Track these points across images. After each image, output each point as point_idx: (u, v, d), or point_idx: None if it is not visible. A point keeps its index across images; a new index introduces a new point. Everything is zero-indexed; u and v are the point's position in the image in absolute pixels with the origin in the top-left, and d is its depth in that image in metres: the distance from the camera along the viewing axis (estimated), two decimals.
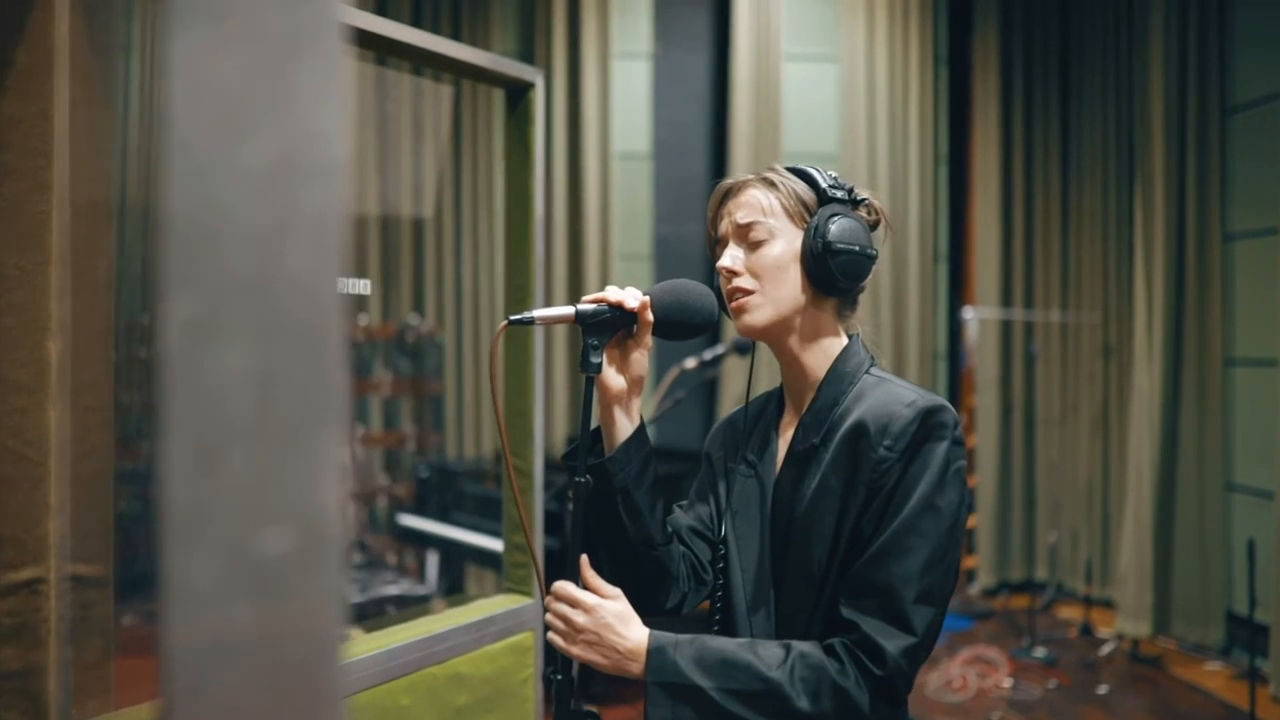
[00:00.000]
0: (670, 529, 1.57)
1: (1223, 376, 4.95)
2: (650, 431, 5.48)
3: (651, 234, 6.04)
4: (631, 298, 1.43)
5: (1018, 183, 6.26)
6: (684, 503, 1.68)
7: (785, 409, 1.59)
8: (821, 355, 1.51)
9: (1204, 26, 5.00)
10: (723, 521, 1.57)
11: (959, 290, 6.46)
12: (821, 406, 1.48)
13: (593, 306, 1.42)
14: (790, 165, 1.55)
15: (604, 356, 1.45)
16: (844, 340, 1.53)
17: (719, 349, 4.11)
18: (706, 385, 5.95)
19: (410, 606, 4.27)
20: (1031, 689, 4.51)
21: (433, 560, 4.79)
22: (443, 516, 4.82)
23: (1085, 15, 6.02)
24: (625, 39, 5.99)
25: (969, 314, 6.07)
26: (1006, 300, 6.24)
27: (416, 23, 5.80)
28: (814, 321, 1.50)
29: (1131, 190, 5.50)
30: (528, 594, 2.11)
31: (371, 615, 4.19)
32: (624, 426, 1.48)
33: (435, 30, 5.74)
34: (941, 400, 1.41)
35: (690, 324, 1.46)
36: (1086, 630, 5.28)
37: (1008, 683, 4.57)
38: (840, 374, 1.49)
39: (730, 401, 5.84)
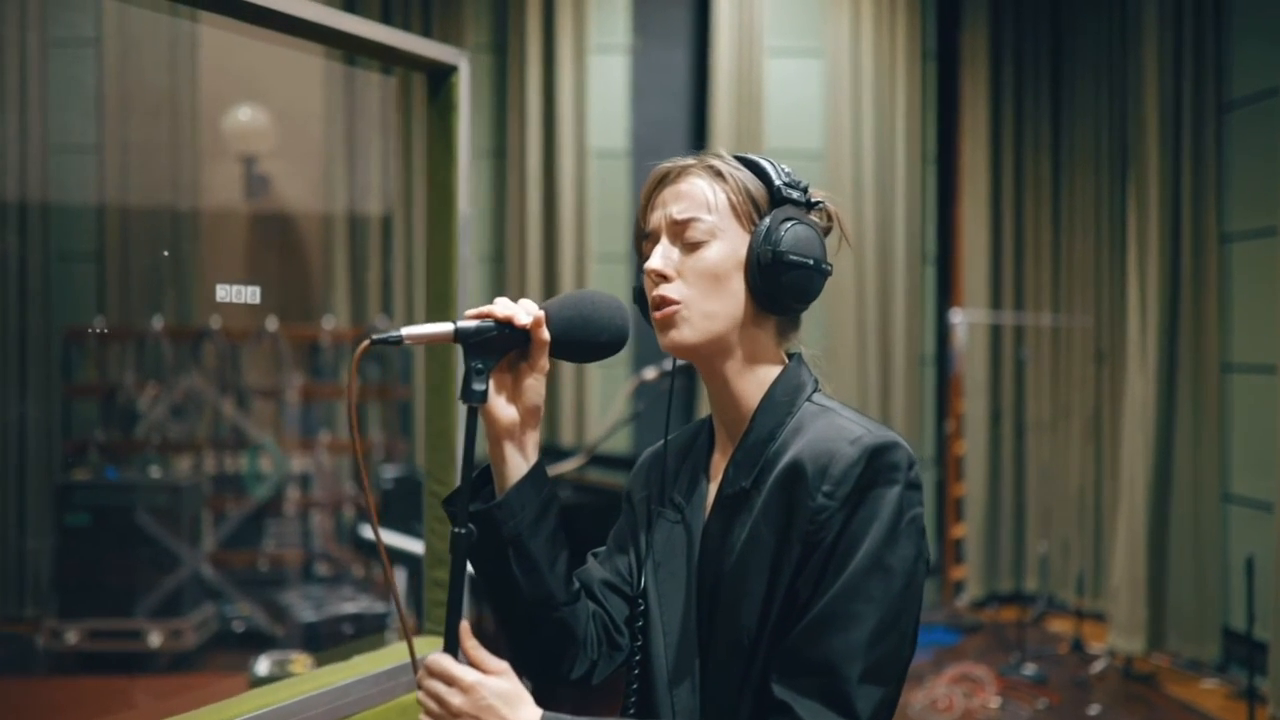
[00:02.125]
0: (578, 584, 1.34)
1: (1219, 383, 4.79)
2: (623, 443, 5.35)
3: (629, 235, 5.85)
4: (523, 312, 1.21)
5: (1007, 182, 6.11)
6: (600, 550, 1.46)
7: (716, 443, 1.37)
8: (756, 381, 1.30)
9: (1200, 19, 4.83)
10: (643, 574, 1.35)
11: (947, 293, 6.29)
12: (754, 441, 1.27)
13: (475, 323, 1.20)
14: (740, 154, 1.33)
15: (491, 383, 1.23)
16: (782, 363, 1.32)
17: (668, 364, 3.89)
18: (683, 393, 5.76)
19: (367, 630, 4.06)
20: (1020, 709, 4.33)
21: (398, 576, 4.58)
22: (407, 529, 4.61)
23: (1077, 9, 5.85)
24: (602, 32, 5.83)
25: (957, 317, 5.90)
26: (996, 303, 6.08)
27: (386, 17, 5.61)
28: (751, 342, 1.29)
29: (1125, 189, 5.34)
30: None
31: (326, 636, 3.99)
32: (516, 465, 1.25)
33: (405, 26, 5.55)
34: (893, 436, 1.19)
35: (594, 343, 1.24)
36: (1078, 646, 5.10)
37: (995, 702, 4.39)
38: (776, 402, 1.28)
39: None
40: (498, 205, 5.87)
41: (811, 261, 1.25)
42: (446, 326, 1.19)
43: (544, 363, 1.24)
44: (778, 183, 1.29)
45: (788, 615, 1.17)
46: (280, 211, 5.71)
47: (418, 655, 1.21)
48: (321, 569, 5.16)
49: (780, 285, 1.24)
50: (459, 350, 1.21)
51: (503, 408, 1.24)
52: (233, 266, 5.66)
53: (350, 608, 4.12)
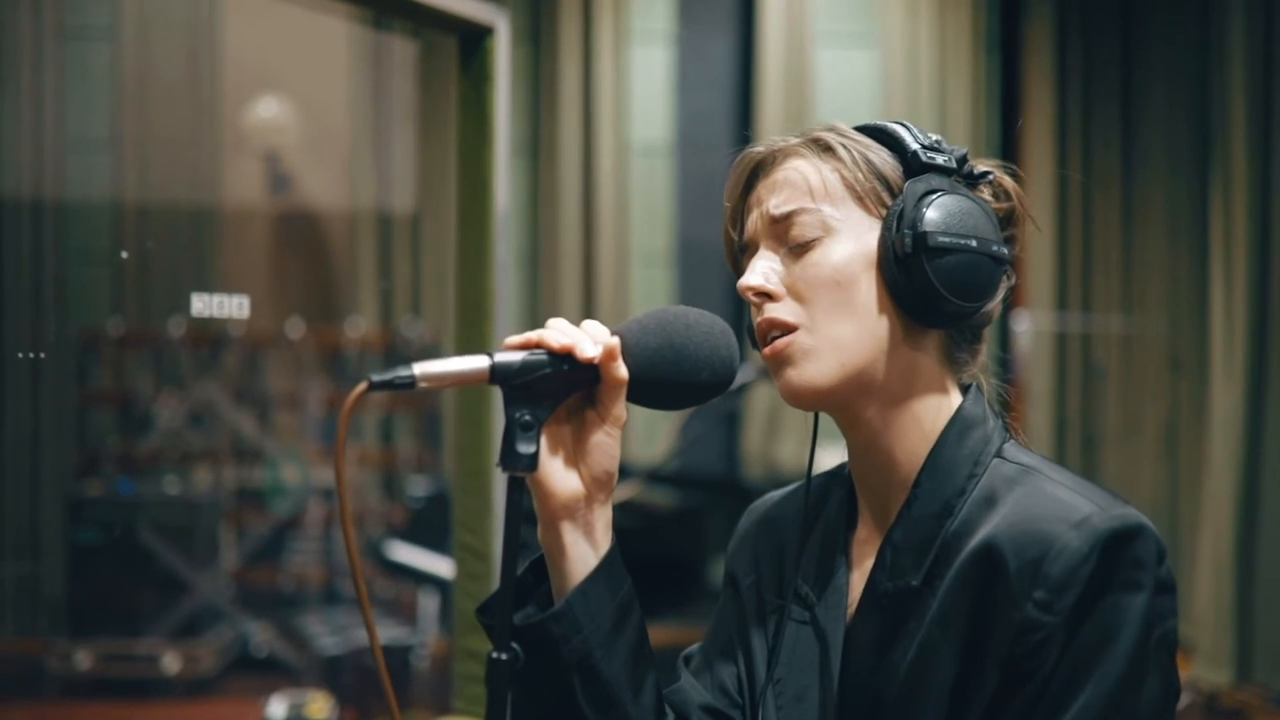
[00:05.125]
0: (672, 716, 0.98)
1: None
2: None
3: (673, 236, 5.58)
4: (589, 341, 0.87)
5: (1074, 179, 5.78)
6: (693, 650, 1.09)
7: (860, 512, 1.01)
8: (918, 429, 0.95)
9: None
10: (760, 696, 0.99)
11: (1010, 296, 5.96)
12: (922, 515, 0.92)
13: (522, 355, 0.86)
14: (864, 124, 0.99)
15: (544, 441, 0.88)
16: (955, 400, 0.97)
17: (747, 374, 3.51)
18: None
19: (393, 664, 3.76)
20: None
21: (429, 602, 4.26)
22: (438, 547, 4.31)
23: None
24: (643, 19, 5.54)
25: (1021, 321, 5.56)
26: (1061, 305, 5.75)
27: None
28: (907, 372, 0.95)
29: (1206, 185, 5.00)
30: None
31: (349, 670, 3.69)
32: (581, 556, 0.90)
33: None
34: (1135, 515, 0.85)
35: (690, 383, 0.90)
36: None
37: None
38: (951, 459, 0.93)
39: (758, 429, 5.32)
40: (531, 205, 5.58)
41: (974, 242, 0.90)
42: (480, 361, 0.85)
43: (619, 410, 0.90)
44: (914, 147, 0.94)
45: None
46: (304, 208, 5.44)
47: None
48: (347, 588, 4.87)
49: (930, 282, 0.89)
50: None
51: (560, 476, 0.90)
52: (255, 267, 5.40)
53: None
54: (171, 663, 4.32)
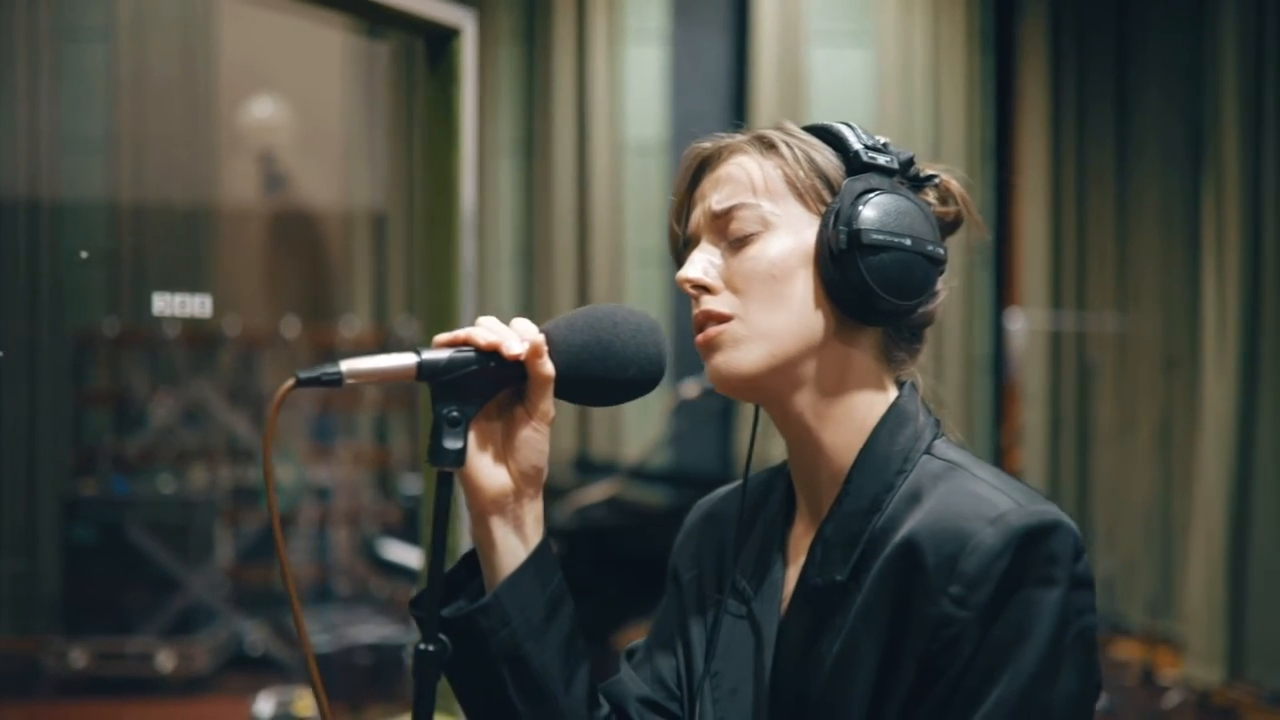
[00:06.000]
0: (607, 707, 0.99)
1: None
2: (663, 454, 5.05)
3: (667, 235, 5.58)
4: (515, 338, 0.88)
5: (1068, 177, 5.77)
6: (637, 645, 1.10)
7: (798, 507, 1.02)
8: (851, 424, 0.95)
9: None
10: (697, 688, 1.00)
11: (1003, 293, 5.97)
12: (851, 512, 0.93)
13: (449, 353, 0.88)
14: (811, 124, 0.99)
15: (471, 437, 0.89)
16: (890, 396, 0.98)
17: None
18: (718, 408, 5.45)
19: (385, 661, 3.77)
20: None
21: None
22: None
23: None
24: (637, 17, 5.54)
25: (1015, 319, 5.56)
26: (1056, 303, 5.75)
27: None
28: (839, 367, 0.95)
29: (1199, 182, 4.99)
30: None
31: (340, 668, 3.70)
32: (510, 550, 0.91)
33: None
34: (1052, 512, 0.85)
35: (618, 380, 0.91)
36: (1148, 675, 4.75)
37: None
38: (882, 455, 0.94)
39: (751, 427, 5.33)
40: (525, 203, 5.59)
41: (908, 241, 0.91)
42: (407, 359, 0.86)
43: (547, 407, 0.91)
44: (856, 147, 0.95)
45: None
46: (299, 207, 5.45)
47: None
48: (340, 586, 4.89)
49: (864, 278, 0.90)
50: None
51: (489, 471, 0.91)
52: (249, 266, 5.41)
53: (367, 636, 3.83)
54: (166, 661, 4.34)
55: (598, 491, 3.49)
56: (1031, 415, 5.72)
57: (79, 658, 4.30)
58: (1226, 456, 4.59)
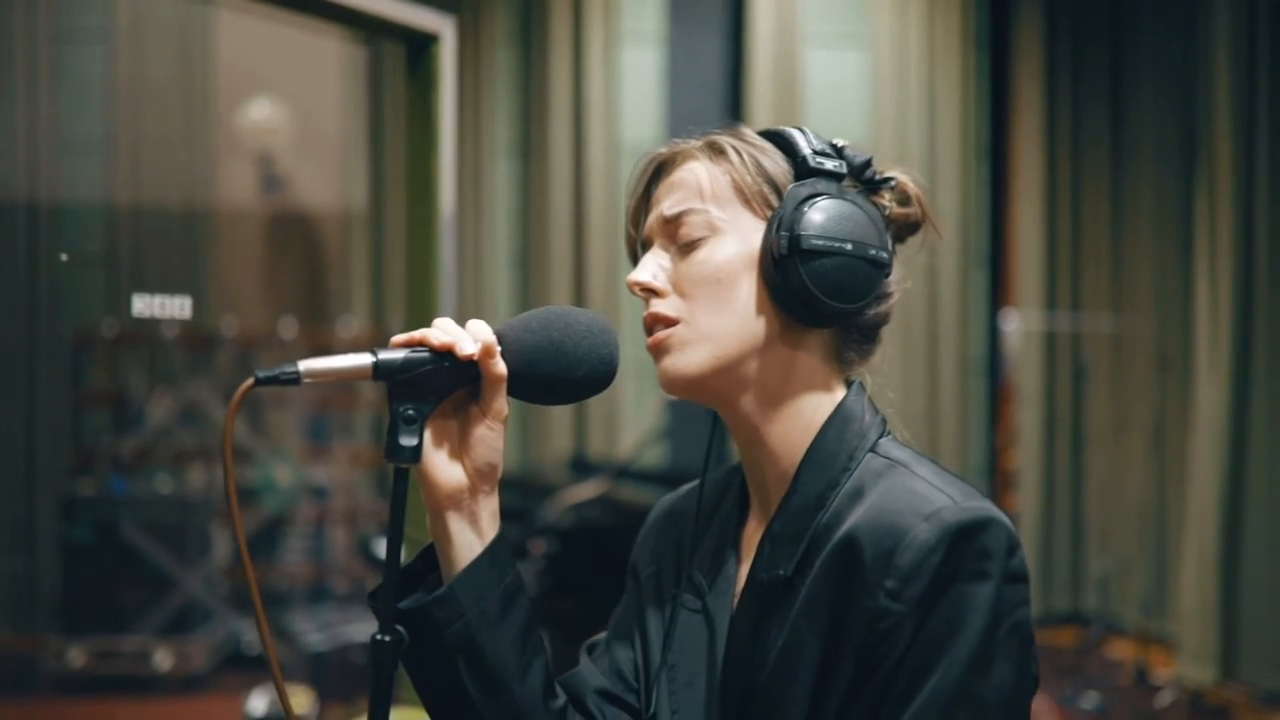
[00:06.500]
0: (563, 697, 1.01)
1: None
2: (659, 454, 5.06)
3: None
4: (468, 339, 0.91)
5: (1063, 177, 5.78)
6: (599, 639, 1.13)
7: (750, 504, 1.05)
8: (799, 424, 0.98)
9: (1277, 1, 4.50)
10: (654, 680, 1.03)
11: (998, 294, 5.97)
12: (797, 509, 0.95)
13: (404, 353, 0.90)
14: (766, 129, 1.02)
15: (427, 435, 0.92)
16: (838, 396, 1.00)
17: None
18: None
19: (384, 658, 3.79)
20: None
21: None
22: None
23: None
24: (633, 19, 5.55)
25: (1009, 320, 5.57)
26: (1050, 304, 5.75)
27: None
28: (785, 369, 0.98)
29: (1192, 184, 5.00)
30: None
31: (335, 667, 3.72)
32: (466, 544, 0.94)
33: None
34: (986, 508, 0.87)
35: (568, 379, 0.93)
36: (1141, 674, 4.76)
37: None
38: (828, 452, 0.96)
39: None
40: (522, 205, 5.60)
41: (849, 246, 0.93)
42: (363, 359, 0.89)
43: (500, 405, 0.93)
44: (805, 152, 0.97)
45: None
46: (296, 209, 5.47)
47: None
48: (338, 585, 4.91)
49: (805, 283, 0.92)
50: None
51: (444, 468, 0.93)
52: (247, 267, 5.43)
53: (363, 634, 3.85)
54: (163, 660, 4.36)
55: (587, 490, 3.51)
56: (1026, 416, 5.72)
57: (77, 656, 4.32)
58: (1220, 456, 4.59)
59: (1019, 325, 5.57)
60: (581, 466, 4.69)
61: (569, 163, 5.47)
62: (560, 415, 5.37)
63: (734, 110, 5.62)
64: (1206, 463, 4.65)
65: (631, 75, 5.55)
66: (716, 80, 5.67)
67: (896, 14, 5.59)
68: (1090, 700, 4.38)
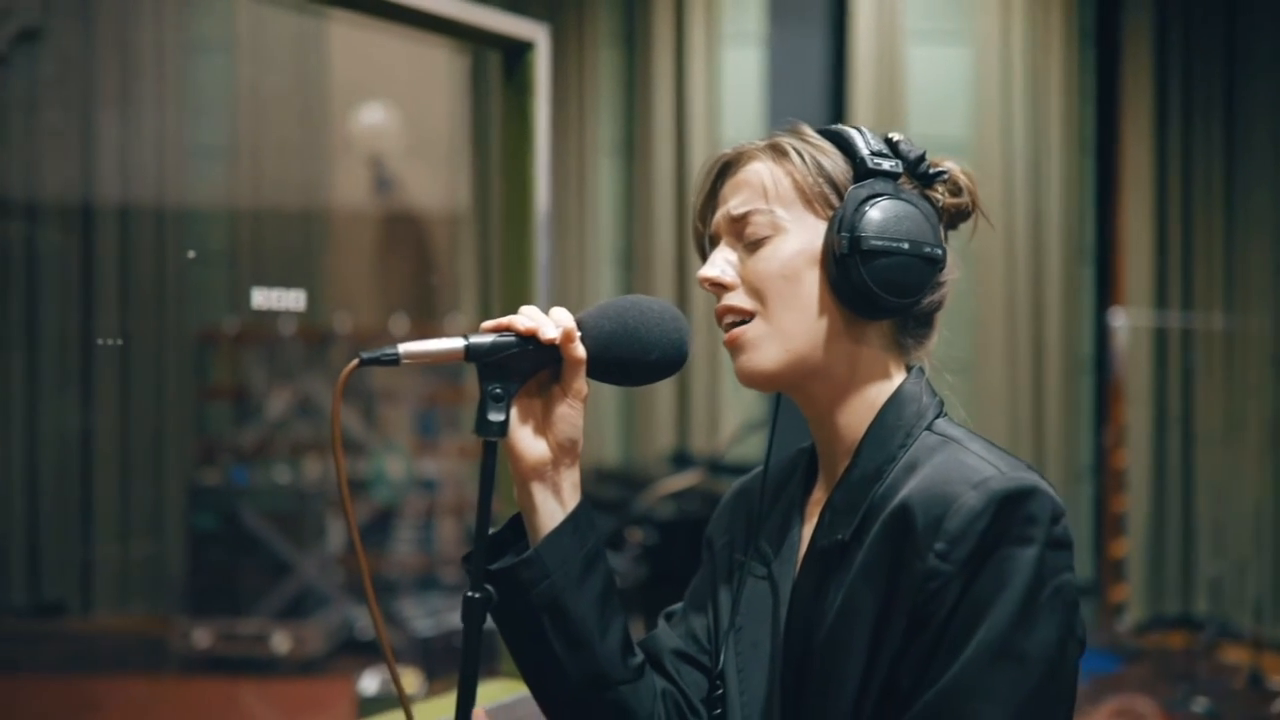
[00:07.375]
0: (642, 656, 1.09)
1: None
2: (756, 448, 5.09)
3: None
4: (550, 325, 0.99)
5: (1173, 173, 5.65)
6: (676, 607, 1.21)
7: (817, 477, 1.13)
8: (864, 406, 1.05)
9: None
10: (723, 642, 1.11)
11: (1106, 292, 5.87)
12: (857, 480, 1.02)
13: (491, 338, 0.99)
14: (827, 126, 1.09)
15: (512, 412, 1.00)
16: (898, 381, 1.07)
17: None
18: None
19: (484, 643, 3.92)
20: None
21: None
22: None
23: None
24: (735, 20, 5.61)
25: (1118, 318, 5.48)
26: (1161, 302, 5.63)
27: (513, 4, 5.50)
28: (851, 358, 1.05)
29: None
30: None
31: (441, 651, 3.85)
32: (550, 512, 1.03)
33: (522, 12, 5.42)
34: (1032, 478, 0.93)
35: (642, 362, 1.02)
36: (1256, 679, 4.65)
37: None
38: (887, 430, 1.03)
39: None
40: (625, 204, 5.70)
41: (906, 245, 0.99)
42: (456, 342, 0.98)
43: (579, 386, 1.02)
44: (863, 152, 1.03)
45: (888, 707, 0.94)
46: (407, 209, 5.65)
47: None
48: (446, 575, 5.06)
49: (864, 281, 0.99)
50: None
51: (529, 442, 1.02)
52: (361, 266, 5.63)
53: None
54: (281, 642, 4.55)
55: (682, 481, 3.58)
56: (1135, 415, 5.62)
57: (202, 637, 4.54)
58: None
59: (1127, 323, 5.48)
60: (683, 460, 4.76)
61: (671, 162, 5.55)
62: (663, 411, 5.45)
63: (835, 108, 5.62)
64: None
65: (733, 75, 5.61)
66: (818, 79, 5.67)
67: (1000, 10, 5.53)
68: (1201, 705, 4.30)
